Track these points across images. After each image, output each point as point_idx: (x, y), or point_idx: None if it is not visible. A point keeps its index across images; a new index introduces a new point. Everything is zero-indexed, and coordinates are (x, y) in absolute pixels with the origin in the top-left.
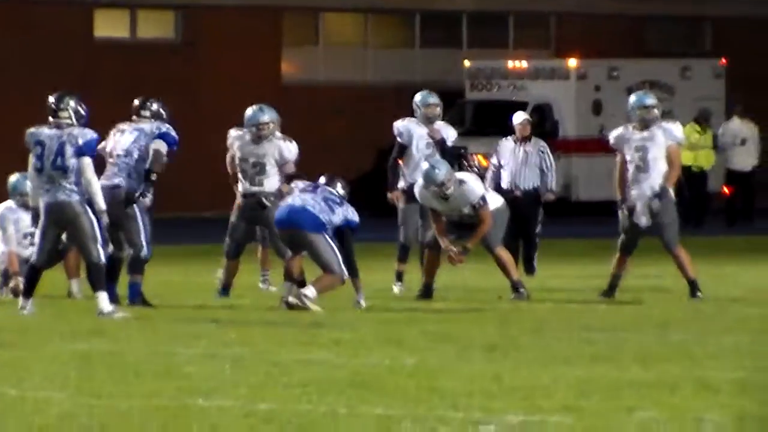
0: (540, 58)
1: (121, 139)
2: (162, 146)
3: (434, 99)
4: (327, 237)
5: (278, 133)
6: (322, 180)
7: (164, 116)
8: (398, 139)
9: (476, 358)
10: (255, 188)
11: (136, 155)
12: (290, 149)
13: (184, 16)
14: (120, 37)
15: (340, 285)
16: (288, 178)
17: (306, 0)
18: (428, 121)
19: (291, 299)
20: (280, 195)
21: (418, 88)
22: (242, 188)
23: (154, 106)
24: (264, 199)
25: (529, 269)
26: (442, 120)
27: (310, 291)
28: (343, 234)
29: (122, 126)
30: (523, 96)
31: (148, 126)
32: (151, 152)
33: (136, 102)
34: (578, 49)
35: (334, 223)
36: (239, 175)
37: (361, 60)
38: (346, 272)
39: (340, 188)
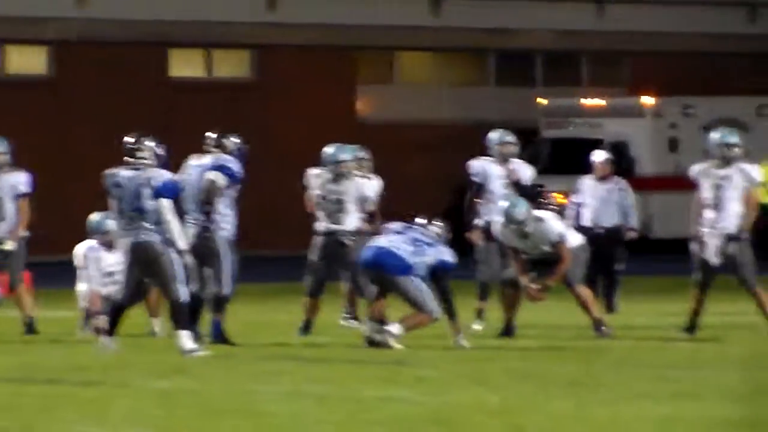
0: (614, 96)
1: (191, 179)
2: (218, 177)
3: (511, 138)
4: (414, 278)
5: (357, 172)
6: (419, 220)
7: (235, 150)
8: (474, 178)
9: (558, 395)
10: (334, 226)
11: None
12: (370, 187)
13: (259, 54)
14: (196, 76)
15: (431, 323)
16: (369, 216)
17: (381, 39)
18: (504, 160)
19: (377, 336)
20: (359, 233)
21: (493, 126)
22: (322, 226)
23: (229, 140)
24: (344, 239)
25: (610, 307)
26: (519, 158)
27: (395, 328)
28: (437, 274)
29: (191, 162)
30: (598, 134)
31: (209, 161)
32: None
33: (210, 135)
34: (653, 86)
35: (426, 264)
36: (319, 214)
37: (435, 98)
38: (438, 310)
39: (436, 228)
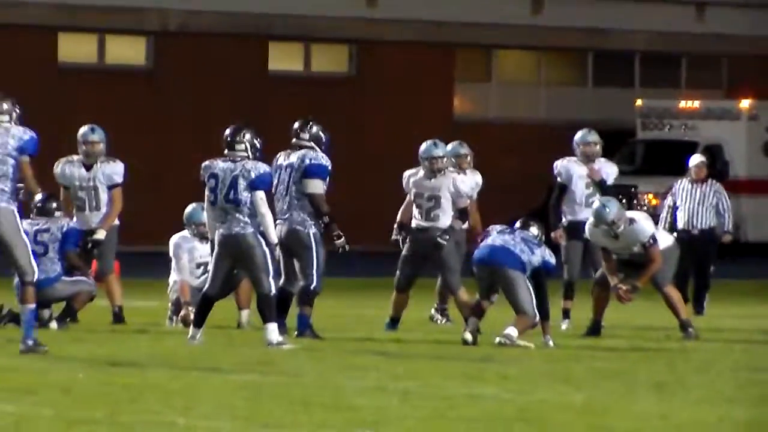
0: (712, 99)
1: (280, 178)
2: (315, 187)
3: (593, 137)
4: (526, 278)
5: (452, 168)
6: (518, 224)
7: (323, 140)
8: (558, 178)
9: (643, 396)
10: (428, 223)
11: (295, 195)
12: (465, 182)
13: (357, 50)
14: (294, 70)
15: (531, 326)
16: (461, 213)
17: (479, 37)
18: (587, 159)
19: (467, 336)
20: (452, 231)
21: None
22: (415, 223)
23: (314, 129)
24: (438, 239)
25: (699, 309)
26: (607, 157)
27: (513, 331)
28: (539, 275)
29: (280, 160)
30: (694, 136)
31: (296, 160)
32: (305, 189)
33: (297, 124)
34: (750, 89)
35: (533, 264)
36: (414, 210)
37: (533, 97)
38: (538, 314)
39: (535, 230)
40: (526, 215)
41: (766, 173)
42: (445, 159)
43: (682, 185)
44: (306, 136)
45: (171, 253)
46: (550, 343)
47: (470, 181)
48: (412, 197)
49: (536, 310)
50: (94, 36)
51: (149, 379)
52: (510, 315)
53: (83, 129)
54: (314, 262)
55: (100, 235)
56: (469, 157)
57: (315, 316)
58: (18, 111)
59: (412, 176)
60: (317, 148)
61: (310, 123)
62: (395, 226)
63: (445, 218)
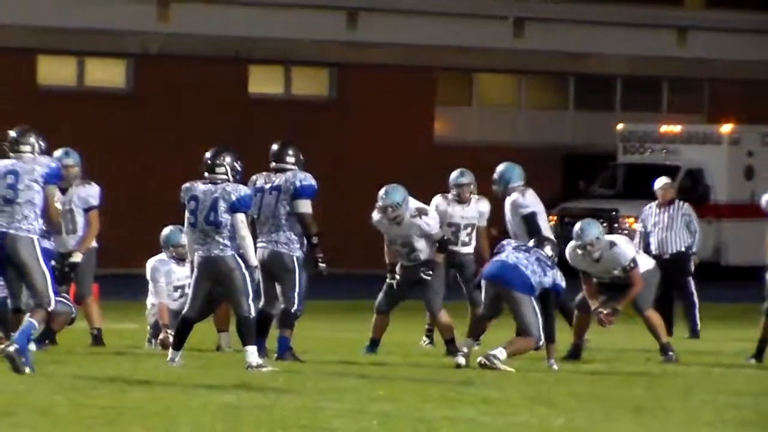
0: (693, 123)
1: (264, 201)
2: (306, 207)
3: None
4: (533, 299)
5: (412, 209)
6: (531, 243)
7: (302, 162)
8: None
9: (624, 419)
10: (411, 263)
11: (283, 217)
12: (427, 223)
13: (337, 73)
14: (274, 93)
15: (532, 349)
16: (439, 247)
17: (460, 60)
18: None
19: (460, 360)
20: (434, 264)
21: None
22: (401, 261)
23: (295, 152)
24: (423, 275)
25: (694, 334)
26: (588, 181)
27: (500, 353)
28: (547, 297)
29: (259, 182)
30: (675, 160)
31: (284, 183)
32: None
33: (275, 147)
34: (732, 114)
35: (543, 285)
36: (396, 252)
37: (514, 121)
38: (542, 337)
39: (549, 250)
40: (538, 235)
41: (747, 198)
42: (390, 209)
43: (651, 210)
44: (291, 159)
45: (148, 276)
46: (555, 366)
47: (435, 220)
48: (388, 243)
49: (542, 334)
50: (74, 59)
51: (128, 401)
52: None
53: (58, 152)
54: (296, 285)
55: (77, 258)
56: (472, 186)
57: (295, 339)
58: (42, 144)
59: (379, 224)
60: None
61: (292, 146)
62: (388, 270)
63: (425, 254)
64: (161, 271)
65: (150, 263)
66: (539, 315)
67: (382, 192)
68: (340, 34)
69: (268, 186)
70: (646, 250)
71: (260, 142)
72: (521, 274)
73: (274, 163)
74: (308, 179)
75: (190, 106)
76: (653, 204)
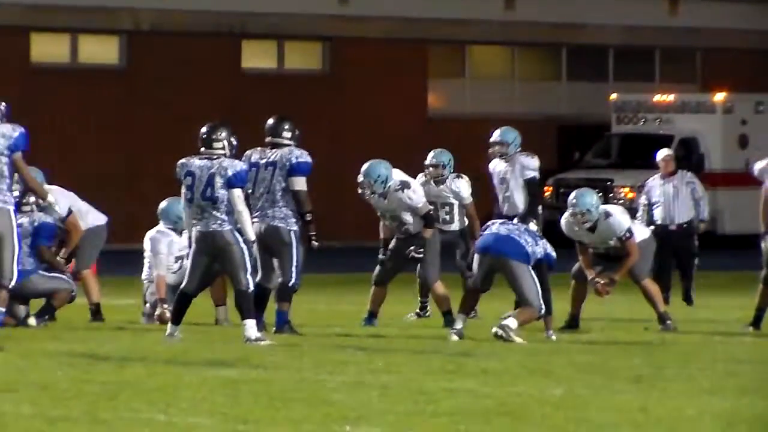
0: (686, 92)
1: (259, 176)
2: (301, 184)
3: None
4: (530, 268)
5: (396, 183)
6: (515, 220)
7: (298, 137)
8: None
9: (623, 388)
10: (404, 235)
11: (278, 192)
12: (410, 197)
13: (330, 47)
14: (267, 68)
15: (535, 318)
16: (425, 221)
17: (452, 33)
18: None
19: (454, 338)
20: (423, 241)
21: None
22: (395, 234)
23: (291, 127)
24: (414, 254)
25: (688, 301)
26: (583, 151)
27: (512, 322)
28: (540, 268)
29: (254, 158)
30: (669, 129)
31: (279, 159)
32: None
33: (271, 122)
34: (725, 83)
35: (536, 255)
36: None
37: (507, 93)
38: (543, 305)
39: (532, 225)
40: (533, 201)
41: (741, 166)
42: (368, 188)
43: (655, 182)
44: (287, 135)
45: (148, 249)
46: (553, 337)
47: (418, 193)
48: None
49: (542, 302)
50: (67, 36)
51: (128, 376)
52: (503, 308)
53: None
54: (293, 258)
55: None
56: (442, 166)
57: (293, 312)
58: (4, 109)
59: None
60: (295, 146)
61: (288, 121)
62: (380, 248)
63: (414, 227)
64: (163, 241)
65: (149, 235)
66: (536, 285)
67: (363, 167)
68: (333, 8)
69: (263, 161)
70: (651, 222)
71: (254, 117)
72: (516, 243)
73: (269, 138)
74: (304, 156)
75: (184, 82)
76: (656, 176)
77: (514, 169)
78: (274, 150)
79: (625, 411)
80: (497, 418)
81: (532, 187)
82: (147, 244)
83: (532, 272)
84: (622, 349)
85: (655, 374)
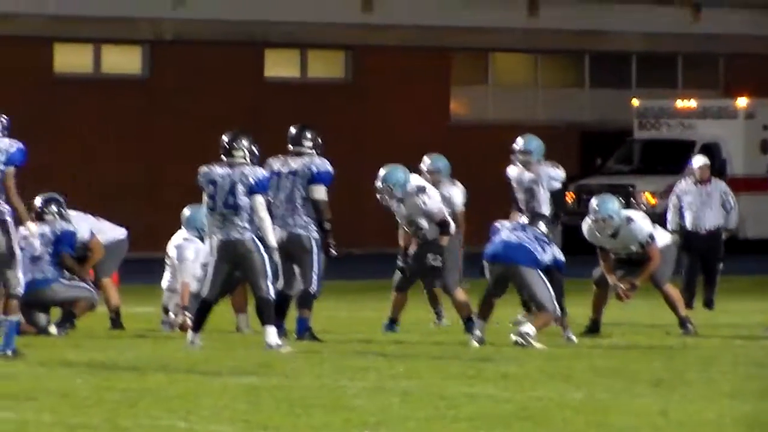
0: (708, 98)
1: (281, 185)
2: (321, 193)
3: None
4: (541, 274)
5: (413, 187)
6: (524, 220)
7: (321, 146)
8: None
9: (643, 393)
10: (421, 241)
11: (299, 201)
12: (425, 201)
13: (353, 56)
14: (290, 76)
15: (552, 322)
16: (441, 227)
17: (475, 40)
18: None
19: (474, 344)
20: (441, 248)
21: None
22: (414, 242)
23: (313, 136)
24: (432, 263)
25: (710, 305)
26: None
27: (530, 329)
28: (551, 273)
29: (275, 166)
30: (691, 135)
31: (301, 166)
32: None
33: (293, 131)
34: (747, 88)
35: (544, 262)
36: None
37: (530, 100)
38: (558, 309)
39: (543, 227)
40: (532, 214)
41: (763, 171)
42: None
43: (687, 187)
44: (309, 143)
45: (174, 256)
46: (573, 338)
47: (434, 199)
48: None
49: (557, 306)
50: (90, 46)
51: (148, 383)
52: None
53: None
54: (314, 266)
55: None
56: (436, 173)
57: (314, 319)
58: (5, 122)
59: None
60: (317, 155)
61: (309, 129)
62: (399, 255)
63: (430, 234)
64: (190, 248)
65: (174, 242)
66: (549, 289)
67: (381, 172)
68: (356, 17)
69: (285, 170)
70: (681, 226)
71: (276, 125)
72: (526, 249)
73: (291, 147)
74: (325, 165)
75: (206, 91)
76: (688, 179)
77: (539, 179)
78: (295, 158)
79: (646, 415)
80: (518, 422)
81: (559, 198)
82: (172, 251)
83: (543, 277)
84: (642, 353)
85: (675, 378)
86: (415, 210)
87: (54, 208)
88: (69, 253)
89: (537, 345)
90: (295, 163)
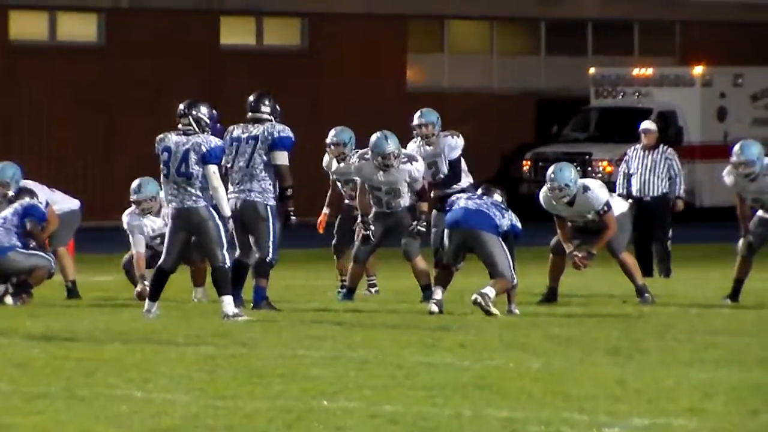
0: (665, 66)
1: (240, 150)
2: (283, 159)
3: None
4: (500, 240)
5: (402, 155)
6: (479, 191)
7: (279, 112)
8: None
9: (600, 361)
10: (390, 210)
11: (259, 167)
12: (418, 169)
13: (309, 23)
14: (246, 44)
15: (510, 289)
16: (419, 195)
17: (431, 7)
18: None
19: (433, 307)
20: (420, 213)
21: (544, 94)
22: (376, 209)
23: (272, 102)
24: (418, 227)
25: (666, 273)
26: (561, 125)
27: (490, 291)
28: (506, 240)
29: (236, 132)
30: (647, 103)
31: (261, 133)
32: (273, 161)
33: (252, 98)
34: (703, 56)
35: (502, 228)
36: (371, 198)
37: (486, 67)
38: (516, 276)
39: (498, 196)
40: (485, 183)
41: (720, 139)
42: (395, 153)
43: (635, 153)
44: (267, 109)
45: (126, 228)
46: (516, 310)
47: (421, 166)
48: (368, 188)
49: (514, 272)
50: (45, 13)
51: (105, 353)
52: (478, 283)
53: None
54: (270, 234)
55: None
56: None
57: (271, 288)
58: None
59: (363, 168)
60: (276, 121)
61: (268, 96)
62: (360, 221)
63: (405, 201)
64: (136, 221)
65: (125, 216)
66: (507, 256)
67: (379, 137)
68: None
69: (245, 136)
70: (628, 192)
71: (233, 93)
72: (485, 215)
73: (250, 114)
74: (286, 131)
75: (162, 59)
76: (638, 146)
77: (442, 152)
78: (256, 125)
79: (603, 383)
80: (475, 391)
81: (454, 167)
82: (125, 224)
83: (503, 244)
84: (599, 322)
85: (632, 346)
86: (403, 177)
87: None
88: (34, 220)
89: (494, 309)
90: (255, 130)
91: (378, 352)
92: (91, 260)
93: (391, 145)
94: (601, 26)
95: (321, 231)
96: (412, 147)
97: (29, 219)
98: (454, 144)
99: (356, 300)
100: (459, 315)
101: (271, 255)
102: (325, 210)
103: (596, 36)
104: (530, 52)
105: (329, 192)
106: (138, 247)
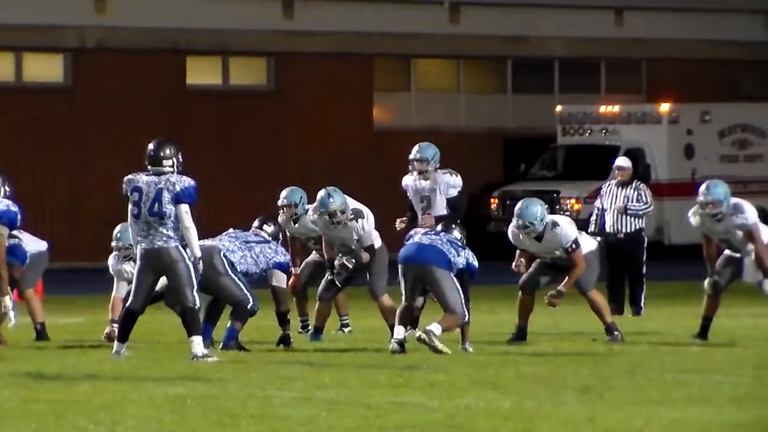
0: (632, 103)
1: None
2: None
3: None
4: (452, 276)
5: (350, 212)
6: (438, 228)
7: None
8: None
9: (570, 400)
10: (344, 259)
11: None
12: (364, 226)
13: (275, 62)
14: (212, 84)
15: (459, 326)
16: (368, 250)
17: (398, 46)
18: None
19: (395, 346)
20: (373, 249)
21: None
22: (329, 256)
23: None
24: (350, 266)
25: (637, 310)
26: (528, 164)
27: (436, 328)
28: (461, 278)
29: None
30: (615, 140)
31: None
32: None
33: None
34: (670, 93)
35: (458, 264)
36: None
37: (453, 105)
38: (467, 314)
39: (457, 233)
40: (445, 220)
41: (687, 176)
42: (340, 212)
43: (609, 188)
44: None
45: (111, 272)
46: (470, 348)
47: (369, 224)
48: (324, 241)
49: (466, 310)
50: (11, 54)
51: (74, 394)
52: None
53: None
54: (241, 282)
55: None
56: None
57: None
58: None
59: (314, 221)
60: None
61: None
62: (327, 267)
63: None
64: (119, 267)
65: (110, 260)
66: (459, 293)
67: (323, 195)
68: (277, 24)
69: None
70: (602, 228)
71: (199, 133)
72: (438, 251)
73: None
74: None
75: (129, 99)
76: (612, 182)
77: (438, 187)
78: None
79: (573, 422)
80: (445, 431)
81: (455, 205)
82: (110, 268)
83: (455, 280)
84: (569, 360)
85: (602, 385)
86: (351, 234)
87: None
88: (15, 262)
89: (440, 345)
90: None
91: (348, 393)
92: (60, 302)
93: (336, 201)
94: (567, 64)
95: (292, 294)
96: (409, 180)
97: (11, 262)
98: (453, 182)
99: (324, 340)
100: (428, 353)
101: (252, 302)
102: (294, 271)
103: (563, 74)
104: (497, 90)
105: (290, 251)
106: (118, 292)
